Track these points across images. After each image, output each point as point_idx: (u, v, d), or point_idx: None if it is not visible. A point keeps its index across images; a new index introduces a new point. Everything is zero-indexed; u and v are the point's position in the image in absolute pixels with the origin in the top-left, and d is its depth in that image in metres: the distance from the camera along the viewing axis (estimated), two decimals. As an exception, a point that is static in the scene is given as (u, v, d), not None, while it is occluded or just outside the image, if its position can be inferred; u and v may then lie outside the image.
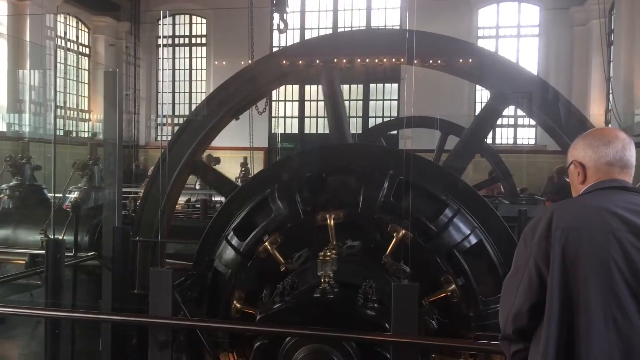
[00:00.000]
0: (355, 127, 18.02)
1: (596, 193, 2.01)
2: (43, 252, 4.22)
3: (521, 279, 1.96)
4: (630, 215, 1.90)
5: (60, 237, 4.22)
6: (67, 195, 6.98)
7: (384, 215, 3.37)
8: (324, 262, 2.92)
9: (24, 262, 4.99)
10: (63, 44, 17.34)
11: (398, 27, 18.10)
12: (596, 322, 1.82)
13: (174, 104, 20.39)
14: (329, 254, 2.94)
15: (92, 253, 4.72)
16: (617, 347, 1.80)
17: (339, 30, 18.50)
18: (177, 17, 20.23)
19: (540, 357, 1.88)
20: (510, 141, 18.02)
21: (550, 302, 1.88)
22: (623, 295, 1.82)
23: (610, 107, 13.91)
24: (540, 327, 1.92)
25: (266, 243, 3.49)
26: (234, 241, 3.71)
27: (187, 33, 20.50)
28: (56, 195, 6.49)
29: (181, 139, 4.43)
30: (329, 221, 3.36)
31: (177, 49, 20.46)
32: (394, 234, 3.27)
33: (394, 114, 18.36)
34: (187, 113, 19.15)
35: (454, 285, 3.26)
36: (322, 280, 2.94)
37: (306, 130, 19.09)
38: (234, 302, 3.56)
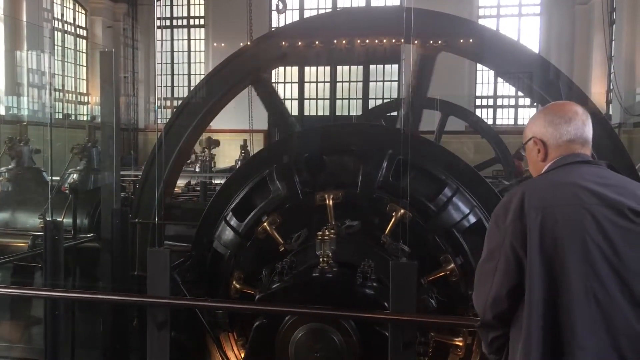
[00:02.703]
0: (355, 108, 17.95)
1: (563, 169, 1.97)
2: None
3: (497, 262, 1.90)
4: (601, 188, 1.87)
5: (59, 220, 4.21)
6: (66, 178, 6.97)
7: (383, 195, 3.36)
8: (322, 242, 2.92)
9: (24, 244, 5.00)
10: (60, 26, 17.18)
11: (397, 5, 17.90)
12: (578, 301, 1.78)
13: (172, 86, 20.27)
14: (327, 233, 2.94)
15: (91, 235, 4.73)
16: (601, 324, 1.77)
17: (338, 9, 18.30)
18: (174, -2, 20.03)
19: (523, 340, 1.84)
20: (511, 122, 17.96)
21: (530, 283, 1.83)
22: (603, 271, 1.78)
23: (611, 86, 13.83)
24: (519, 311, 1.88)
25: (265, 223, 3.49)
26: (233, 222, 3.71)
27: (185, 14, 20.29)
28: (55, 178, 6.48)
29: (178, 122, 4.41)
30: (327, 201, 3.35)
31: (175, 30, 20.27)
32: (393, 214, 3.26)
33: (395, 95, 18.25)
34: (185, 96, 19.05)
35: (452, 264, 3.26)
36: (321, 259, 2.94)
37: (306, 112, 19.00)
38: (234, 282, 3.57)
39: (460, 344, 3.28)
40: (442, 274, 3.28)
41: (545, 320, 1.82)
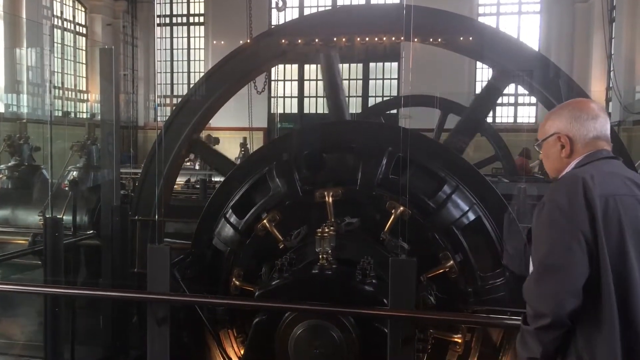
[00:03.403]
0: (354, 106, 17.94)
1: (599, 162, 1.98)
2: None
3: (570, 254, 1.81)
4: (638, 181, 1.95)
5: (59, 217, 4.22)
6: (65, 175, 6.97)
7: (383, 192, 3.37)
8: (322, 239, 2.93)
9: (24, 242, 5.00)
10: (59, 24, 17.16)
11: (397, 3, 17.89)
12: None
13: (172, 84, 20.26)
14: (327, 230, 2.95)
15: (91, 232, 4.74)
16: None
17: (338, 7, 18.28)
18: (174, -5, 20.01)
19: (606, 335, 1.81)
20: (511, 120, 17.96)
21: (605, 274, 1.81)
22: None
23: (611, 85, 13.83)
24: (588, 305, 1.83)
25: (265, 221, 3.50)
26: (233, 219, 3.71)
27: (185, 12, 20.27)
28: (54, 175, 6.47)
29: (178, 119, 4.41)
30: (327, 198, 3.36)
31: (174, 28, 20.25)
32: (392, 211, 3.27)
33: (394, 93, 18.25)
34: (185, 93, 19.03)
35: (452, 262, 3.26)
36: (321, 256, 2.95)
37: (305, 110, 19.00)
38: (233, 279, 3.58)
39: (459, 340, 3.29)
40: (441, 271, 3.28)
41: (620, 312, 1.82)
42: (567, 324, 1.85)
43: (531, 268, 2.01)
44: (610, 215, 1.83)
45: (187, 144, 4.35)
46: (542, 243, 1.89)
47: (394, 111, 13.39)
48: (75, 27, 18.22)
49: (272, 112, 18.47)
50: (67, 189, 4.86)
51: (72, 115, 17.18)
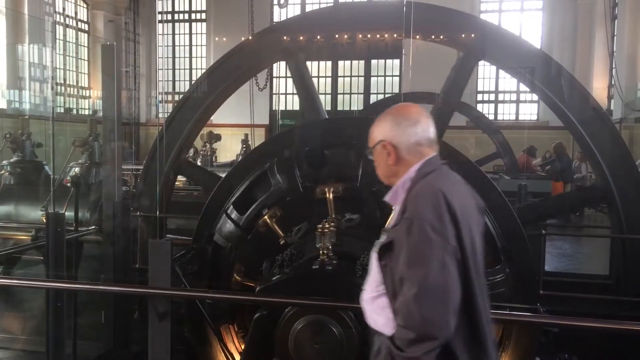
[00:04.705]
0: (356, 103, 17.93)
1: (440, 170, 2.00)
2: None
3: (444, 272, 1.78)
4: (469, 187, 2.06)
5: (61, 212, 4.23)
6: (67, 171, 7.00)
7: (383, 188, 3.37)
8: (322, 235, 2.94)
9: (26, 237, 5.02)
10: (62, 20, 17.18)
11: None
12: (480, 296, 1.91)
13: (174, 80, 20.27)
14: (327, 226, 2.96)
15: (93, 227, 4.76)
16: (485, 312, 1.93)
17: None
18: (176, -8, 20.00)
19: (474, 340, 1.88)
20: (513, 117, 17.94)
21: (470, 284, 1.85)
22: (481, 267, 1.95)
23: (613, 82, 13.81)
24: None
25: (266, 217, 3.51)
26: (234, 215, 3.73)
27: (187, 9, 20.27)
28: (56, 171, 6.50)
29: (179, 116, 4.43)
30: (328, 194, 3.37)
31: (176, 24, 20.26)
32: (392, 208, 3.27)
33: (396, 90, 18.24)
34: (187, 90, 19.02)
35: (452, 258, 3.27)
36: (321, 252, 2.96)
37: (307, 107, 18.97)
38: (234, 275, 3.60)
39: (459, 336, 3.30)
40: (441, 267, 3.29)
41: (482, 312, 1.90)
42: (449, 337, 1.82)
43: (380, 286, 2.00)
44: (465, 226, 1.85)
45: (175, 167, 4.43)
46: (417, 263, 1.80)
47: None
48: (77, 24, 18.23)
49: (273, 108, 18.47)
50: (69, 185, 4.87)
51: (74, 111, 17.22)
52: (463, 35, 4.16)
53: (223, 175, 4.36)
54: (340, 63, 17.82)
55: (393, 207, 2.09)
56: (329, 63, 17.89)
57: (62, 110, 15.97)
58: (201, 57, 20.10)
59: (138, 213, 4.43)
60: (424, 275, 1.78)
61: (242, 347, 3.56)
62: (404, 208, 1.91)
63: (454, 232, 1.81)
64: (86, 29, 18.72)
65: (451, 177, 2.01)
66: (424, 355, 1.77)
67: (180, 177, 7.47)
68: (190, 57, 20.30)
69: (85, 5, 18.66)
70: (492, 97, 18.26)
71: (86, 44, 18.64)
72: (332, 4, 18.42)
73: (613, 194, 3.85)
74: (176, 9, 20.21)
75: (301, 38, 4.28)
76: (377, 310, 1.98)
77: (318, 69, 17.94)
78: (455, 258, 1.80)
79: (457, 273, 1.80)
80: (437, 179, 1.93)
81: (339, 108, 18.23)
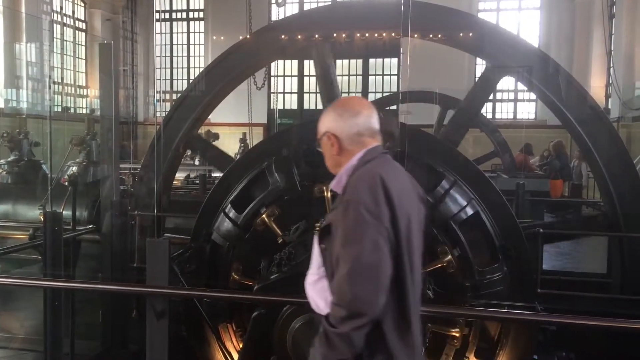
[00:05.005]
0: (354, 102, 17.87)
1: (380, 159, 2.06)
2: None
3: (377, 252, 1.85)
4: (410, 176, 2.15)
5: (59, 211, 4.22)
6: (65, 170, 6.99)
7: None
8: (320, 233, 2.93)
9: (24, 236, 5.01)
10: (59, 19, 17.13)
11: None
12: (413, 275, 1.98)
13: (171, 79, 20.24)
14: (325, 225, 2.96)
15: (91, 226, 4.75)
16: (414, 292, 1.99)
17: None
18: (173, -10, 19.96)
19: (400, 318, 1.93)
20: (510, 116, 17.95)
21: (401, 265, 1.91)
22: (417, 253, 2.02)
23: (610, 81, 13.82)
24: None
25: (264, 215, 3.51)
26: (232, 214, 3.73)
27: (184, 7, 20.23)
28: (54, 170, 6.49)
29: (177, 115, 4.42)
30: (326, 193, 3.37)
31: (174, 23, 20.22)
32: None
33: (394, 89, 18.24)
34: (184, 89, 18.98)
35: (450, 256, 3.28)
36: (319, 251, 2.95)
37: (305, 106, 18.98)
38: (232, 273, 3.60)
39: (457, 334, 3.31)
40: (439, 265, 3.30)
41: (410, 294, 1.95)
42: (376, 315, 1.88)
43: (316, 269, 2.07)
44: (402, 210, 1.92)
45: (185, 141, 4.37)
46: (352, 243, 1.87)
47: (394, 107, 13.40)
48: (74, 22, 18.18)
49: (271, 107, 18.44)
50: (66, 183, 4.87)
51: (72, 110, 17.18)
52: (461, 34, 4.16)
53: (221, 174, 4.36)
54: (339, 62, 17.82)
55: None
56: (327, 62, 17.87)
57: (60, 109, 15.94)
58: (199, 56, 20.05)
59: (136, 212, 4.42)
60: (357, 254, 1.85)
61: (240, 345, 3.57)
62: (343, 192, 1.99)
63: (388, 215, 1.88)
64: (84, 27, 18.67)
65: (392, 165, 2.10)
66: (353, 332, 1.85)
67: (178, 177, 7.46)
68: (188, 56, 20.25)
69: (82, 4, 18.60)
70: (490, 95, 18.27)
71: (84, 43, 18.59)
72: (330, 3, 18.42)
73: (620, 222, 3.86)
74: (174, 7, 20.16)
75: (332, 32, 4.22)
76: (318, 293, 2.05)
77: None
78: (388, 239, 1.87)
79: (390, 254, 1.87)
80: (376, 165, 2.01)
81: (337, 107, 18.22)
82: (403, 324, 1.94)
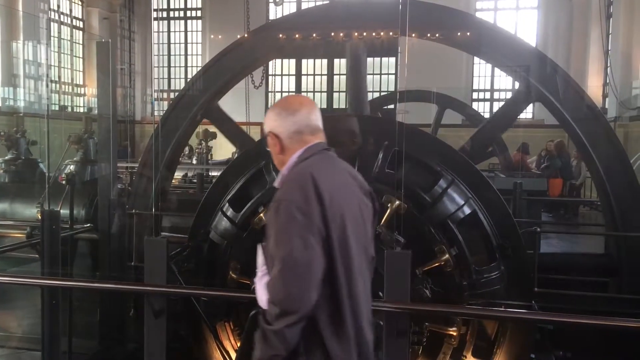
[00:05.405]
0: (352, 101, 17.88)
1: (320, 155, 2.07)
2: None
3: (307, 250, 1.87)
4: (353, 173, 2.17)
5: (56, 210, 4.22)
6: (62, 168, 6.98)
7: (379, 186, 3.38)
8: (318, 232, 2.94)
9: (21, 235, 5.00)
10: (56, 17, 17.09)
11: None
12: (357, 273, 2.00)
13: (169, 78, 20.21)
14: (323, 224, 2.95)
15: (88, 225, 4.74)
16: (365, 287, 2.04)
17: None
18: (171, -11, 19.93)
19: (334, 316, 1.94)
20: (508, 115, 17.94)
21: (334, 262, 1.92)
22: (361, 246, 2.04)
23: (608, 80, 13.85)
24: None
25: (261, 214, 3.51)
26: (230, 213, 3.72)
27: (182, 6, 20.21)
28: (51, 168, 6.48)
29: (175, 114, 4.41)
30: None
31: (172, 22, 20.19)
32: (389, 205, 3.28)
33: (392, 87, 18.24)
34: (182, 87, 18.95)
35: (447, 255, 3.29)
36: (317, 249, 2.95)
37: (303, 105, 18.96)
38: (230, 272, 3.60)
39: (454, 333, 3.32)
40: (436, 264, 3.31)
41: (348, 291, 1.96)
42: (308, 313, 1.91)
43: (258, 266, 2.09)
44: (335, 207, 1.93)
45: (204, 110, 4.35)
46: (283, 242, 1.90)
47: (392, 106, 13.40)
48: (72, 21, 18.15)
49: (269, 106, 18.43)
50: (64, 182, 4.86)
51: (69, 109, 17.15)
52: (459, 34, 4.16)
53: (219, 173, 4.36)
54: (336, 61, 17.81)
55: None
56: (325, 61, 17.89)
57: (57, 108, 15.91)
58: (197, 54, 20.04)
59: (133, 210, 4.42)
60: (288, 252, 1.88)
61: (238, 344, 3.57)
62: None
63: (319, 213, 1.89)
64: (81, 26, 18.64)
65: (331, 162, 2.11)
66: (287, 329, 1.88)
67: (176, 176, 7.46)
68: (186, 55, 20.24)
69: (80, 3, 18.57)
70: (488, 95, 18.29)
71: (81, 41, 18.55)
72: (327, 2, 18.41)
73: (623, 263, 3.86)
74: (171, 6, 20.14)
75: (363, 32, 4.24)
76: (262, 289, 2.06)
77: (314, 67, 17.95)
78: (320, 237, 1.89)
79: (321, 251, 1.89)
80: (311, 163, 2.03)
81: (335, 106, 18.21)
82: (338, 318, 1.95)
